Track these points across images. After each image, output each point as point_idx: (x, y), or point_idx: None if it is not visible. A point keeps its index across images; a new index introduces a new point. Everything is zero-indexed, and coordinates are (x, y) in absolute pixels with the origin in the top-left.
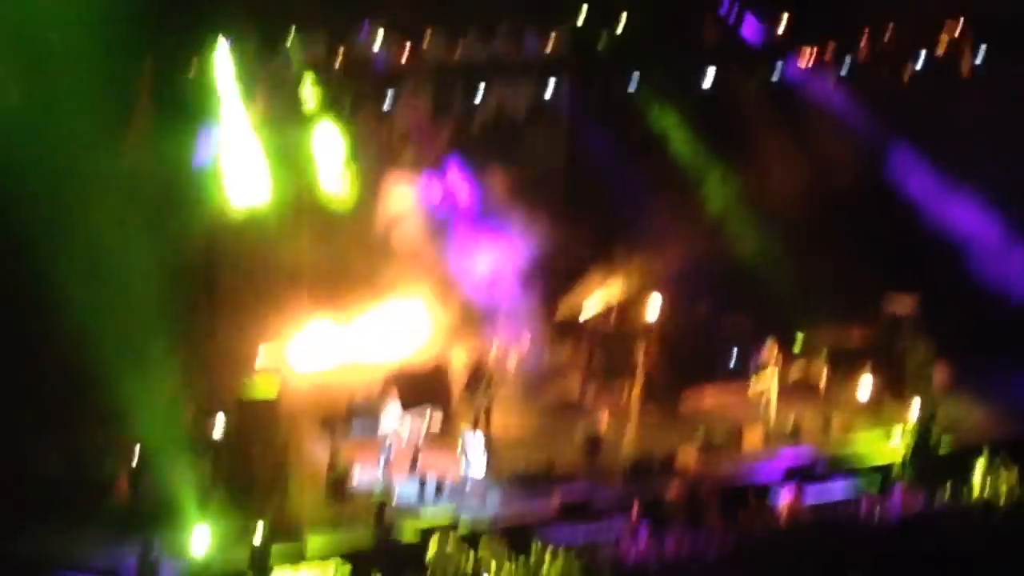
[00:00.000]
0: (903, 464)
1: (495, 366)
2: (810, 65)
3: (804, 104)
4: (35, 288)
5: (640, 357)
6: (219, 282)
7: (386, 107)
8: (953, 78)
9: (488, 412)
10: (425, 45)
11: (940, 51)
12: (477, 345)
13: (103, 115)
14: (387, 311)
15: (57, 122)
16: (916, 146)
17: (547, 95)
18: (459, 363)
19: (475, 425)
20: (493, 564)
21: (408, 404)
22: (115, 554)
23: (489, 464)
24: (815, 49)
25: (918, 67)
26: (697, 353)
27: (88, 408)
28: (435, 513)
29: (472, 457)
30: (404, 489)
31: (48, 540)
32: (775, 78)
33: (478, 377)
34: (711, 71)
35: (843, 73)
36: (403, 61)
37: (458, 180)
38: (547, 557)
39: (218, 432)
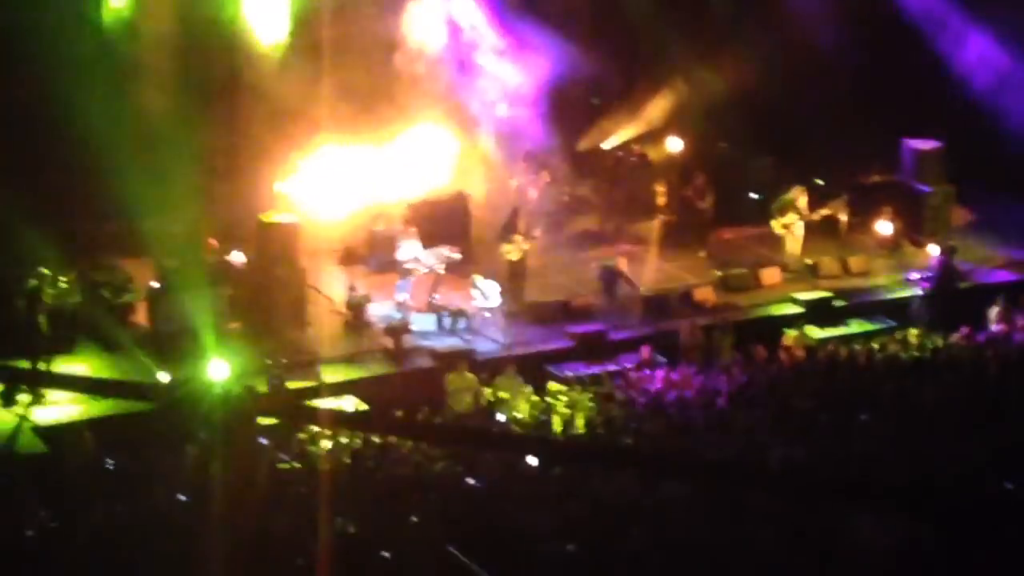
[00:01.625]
0: (920, 304)
1: (521, 206)
2: None
3: None
4: (60, 111)
5: (661, 192)
6: (240, 111)
7: None
8: None
9: (524, 260)
10: None
11: None
12: (499, 179)
13: None
14: (407, 142)
15: None
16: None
17: None
18: (479, 196)
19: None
20: (507, 395)
21: (427, 239)
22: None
23: (506, 297)
24: None
25: None
26: (718, 191)
27: (109, 234)
28: (451, 344)
29: (489, 291)
30: (421, 321)
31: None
32: None
33: (513, 224)
34: None
35: None
36: None
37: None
38: (561, 389)
39: (238, 260)
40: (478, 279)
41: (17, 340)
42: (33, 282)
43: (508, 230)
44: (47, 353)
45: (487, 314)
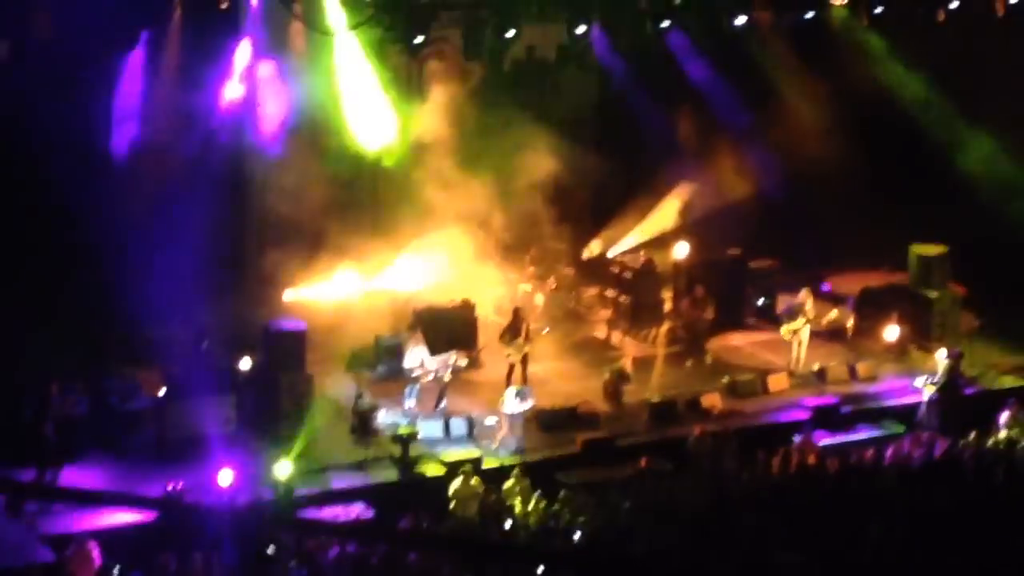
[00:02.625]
0: (928, 410)
1: (529, 314)
2: (842, 4)
3: (835, 45)
4: (72, 220)
5: (667, 298)
6: (249, 215)
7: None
8: (986, 18)
9: (525, 361)
10: None
11: None
12: (507, 285)
13: None
14: (416, 248)
15: None
16: (945, 86)
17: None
18: (487, 303)
19: (510, 372)
20: (516, 501)
21: (435, 345)
22: (142, 488)
23: (520, 406)
24: None
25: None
26: (725, 296)
27: (117, 341)
28: (459, 451)
29: (507, 401)
30: (429, 427)
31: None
32: (807, 17)
33: (515, 327)
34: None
35: (876, 12)
36: None
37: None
38: (569, 495)
39: (245, 366)
40: (513, 390)
41: (25, 448)
42: (42, 389)
43: (511, 332)
44: (55, 462)
45: (496, 419)
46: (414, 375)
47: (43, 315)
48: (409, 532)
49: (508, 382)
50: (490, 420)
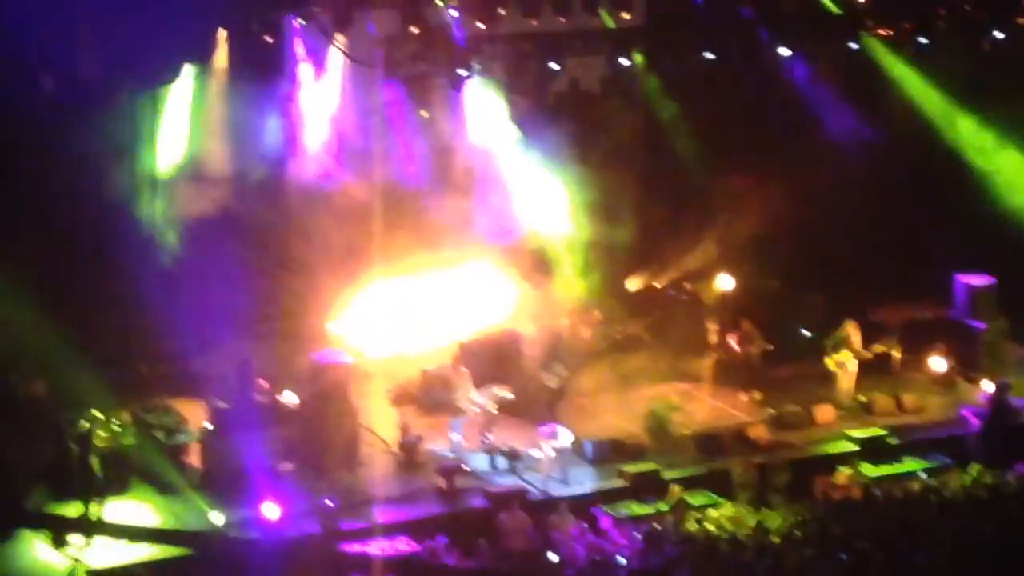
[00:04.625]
0: (976, 441)
1: (569, 342)
2: (886, 35)
3: (877, 76)
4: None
5: (713, 331)
6: (293, 251)
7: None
8: None
9: (563, 391)
10: (502, 14)
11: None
12: (549, 318)
13: None
14: (461, 279)
15: None
16: (988, 116)
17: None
18: (531, 336)
19: (551, 404)
20: (562, 535)
21: (480, 379)
22: (188, 524)
23: (565, 439)
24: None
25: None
26: (770, 328)
27: (162, 375)
28: (505, 484)
29: (548, 435)
30: (474, 461)
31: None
32: (851, 48)
33: (554, 354)
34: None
35: (921, 42)
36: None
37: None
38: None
39: (291, 401)
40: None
41: (70, 482)
42: (85, 424)
43: (550, 357)
44: (99, 495)
45: (541, 453)
46: (460, 408)
47: (86, 347)
48: (455, 568)
49: (551, 414)
50: (536, 452)
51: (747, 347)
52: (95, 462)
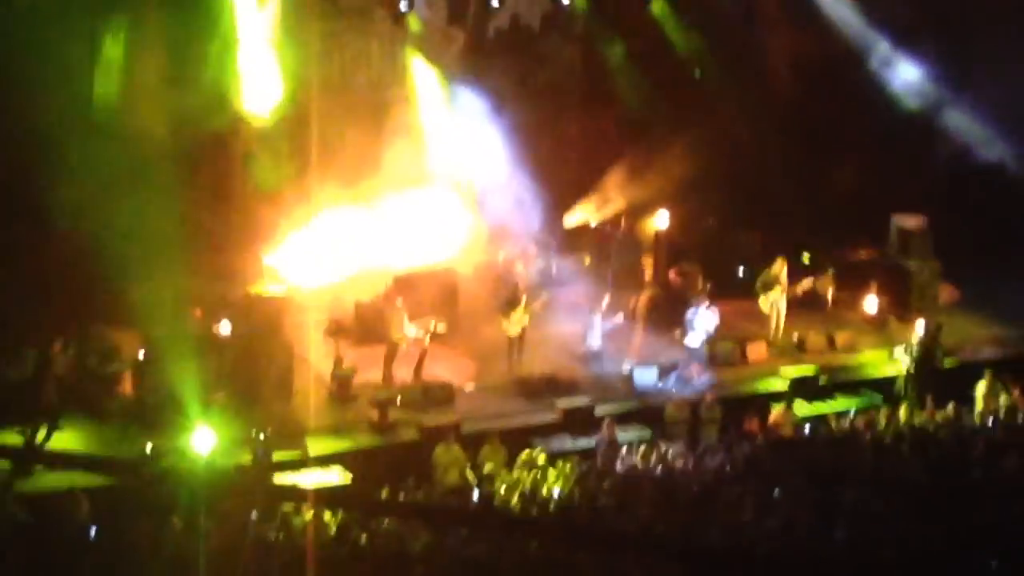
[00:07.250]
0: (906, 381)
1: (505, 277)
2: None
3: (813, 11)
4: (48, 188)
5: (648, 267)
6: (229, 182)
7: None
8: None
9: (523, 334)
10: None
11: None
12: (487, 254)
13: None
14: (397, 211)
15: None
16: (931, 56)
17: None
18: (466, 271)
19: (510, 345)
20: (492, 467)
21: (414, 313)
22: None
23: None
24: None
25: None
26: (707, 266)
27: (96, 303)
28: (437, 416)
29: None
30: (408, 394)
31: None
32: None
33: (513, 299)
34: None
35: None
36: None
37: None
38: (544, 462)
39: (225, 330)
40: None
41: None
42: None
43: (509, 304)
44: (51, 421)
45: (474, 385)
46: (394, 341)
47: (24, 273)
48: (386, 503)
49: (511, 353)
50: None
51: (687, 284)
52: (50, 387)
